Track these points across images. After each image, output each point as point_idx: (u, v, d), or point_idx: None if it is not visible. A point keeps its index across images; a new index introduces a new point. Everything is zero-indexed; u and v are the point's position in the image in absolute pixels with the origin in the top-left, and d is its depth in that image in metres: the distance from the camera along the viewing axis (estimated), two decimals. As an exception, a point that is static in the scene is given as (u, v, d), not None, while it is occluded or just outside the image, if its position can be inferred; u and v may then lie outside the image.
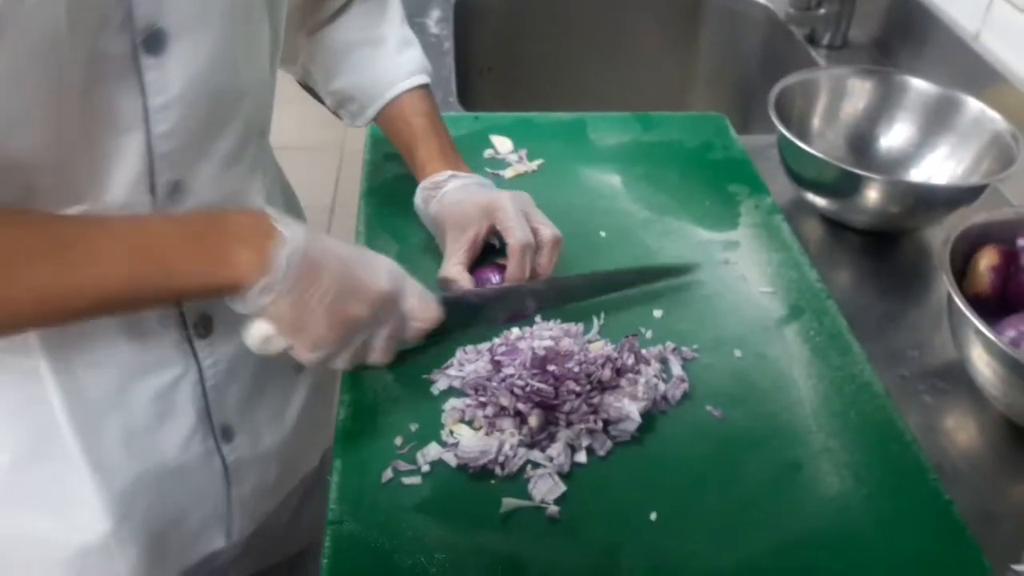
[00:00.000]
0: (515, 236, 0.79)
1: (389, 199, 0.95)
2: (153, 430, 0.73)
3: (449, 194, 0.84)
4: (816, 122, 1.12)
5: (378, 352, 0.70)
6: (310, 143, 2.70)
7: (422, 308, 0.71)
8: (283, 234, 0.61)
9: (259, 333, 0.64)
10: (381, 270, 0.67)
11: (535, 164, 1.02)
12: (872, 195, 0.96)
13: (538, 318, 0.79)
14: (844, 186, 0.97)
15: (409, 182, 0.90)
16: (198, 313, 0.73)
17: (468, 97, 0.96)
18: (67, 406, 0.68)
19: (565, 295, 0.83)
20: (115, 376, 0.70)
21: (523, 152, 1.04)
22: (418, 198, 0.88)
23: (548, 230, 0.81)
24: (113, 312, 0.64)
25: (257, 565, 1.01)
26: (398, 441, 0.68)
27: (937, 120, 1.08)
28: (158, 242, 0.60)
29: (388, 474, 0.66)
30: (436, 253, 0.86)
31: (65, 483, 0.71)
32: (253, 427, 0.82)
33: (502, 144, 1.04)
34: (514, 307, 0.80)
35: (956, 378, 0.84)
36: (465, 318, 0.77)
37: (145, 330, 0.70)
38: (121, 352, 0.70)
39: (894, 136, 1.11)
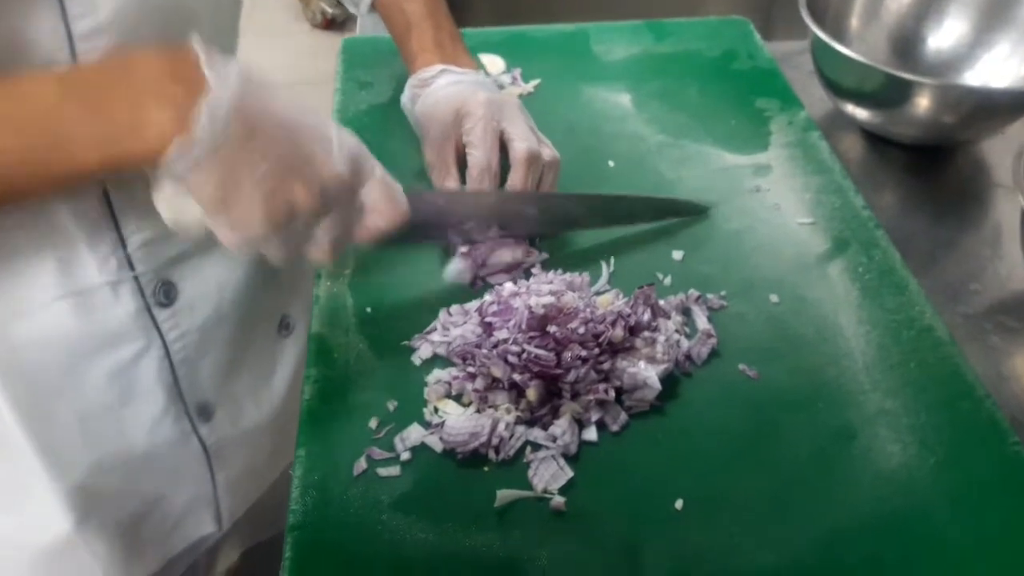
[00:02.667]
0: (474, 157, 0.68)
1: (362, 134, 0.83)
2: (114, 413, 0.66)
3: (433, 93, 0.73)
4: (854, 22, 1.01)
5: (320, 248, 0.55)
6: (303, 77, 2.56)
7: (386, 203, 0.56)
8: (209, 82, 0.47)
9: (166, 193, 0.50)
10: (338, 146, 0.53)
11: (531, 85, 0.92)
12: (923, 103, 0.84)
13: (535, 269, 0.68)
14: (890, 94, 0.86)
15: (385, 113, 0.79)
16: (158, 280, 0.64)
17: (452, 10, 0.85)
18: (7, 388, 0.61)
19: (553, 215, 0.71)
20: (62, 354, 0.62)
21: (517, 72, 0.94)
22: (405, 96, 0.77)
23: (522, 144, 0.68)
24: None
25: (251, 540, 0.93)
26: (373, 423, 0.58)
27: (994, 14, 0.96)
28: (39, 103, 0.47)
29: (361, 464, 0.56)
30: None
31: (15, 477, 0.65)
32: (233, 403, 0.75)
33: (492, 63, 0.94)
34: (492, 220, 0.67)
35: (1028, 314, 0.73)
36: (434, 227, 0.65)
37: (93, 300, 0.61)
38: (67, 326, 0.61)
39: (944, 35, 0.99)
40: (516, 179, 0.68)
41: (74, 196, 0.57)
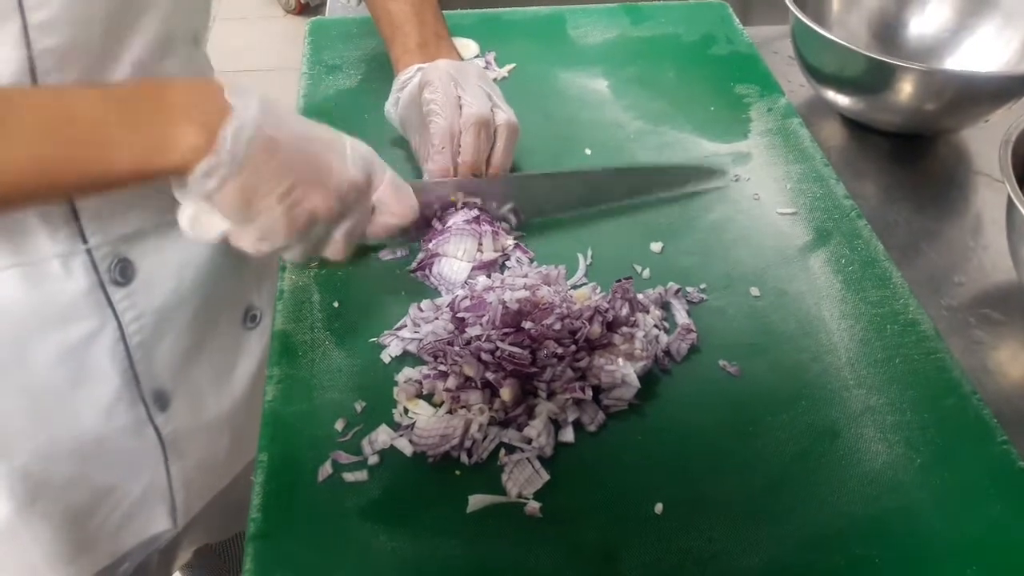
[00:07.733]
0: (436, 124, 0.66)
1: (331, 119, 0.80)
2: (63, 395, 0.63)
3: (410, 90, 0.71)
4: (835, 7, 0.99)
5: (337, 246, 0.59)
6: (275, 63, 2.52)
7: (397, 201, 0.61)
8: (233, 108, 0.50)
9: (189, 212, 0.53)
10: (351, 154, 0.57)
11: (505, 70, 0.90)
12: (905, 89, 0.82)
13: (511, 262, 0.65)
14: (872, 80, 0.84)
15: (354, 96, 0.76)
16: (113, 256, 0.62)
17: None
18: None
19: (568, 191, 0.72)
20: (9, 328, 0.59)
21: (490, 56, 0.91)
22: (389, 103, 0.75)
23: (471, 109, 0.66)
24: (31, 200, 0.54)
25: (211, 538, 0.90)
26: (339, 425, 0.55)
27: (978, -2, 0.94)
28: (84, 116, 0.49)
29: (326, 469, 0.53)
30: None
31: None
32: (192, 392, 0.72)
33: (465, 48, 0.91)
34: (507, 198, 0.68)
35: (1012, 306, 0.73)
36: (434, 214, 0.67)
37: (43, 272, 0.59)
38: (14, 301, 0.59)
39: (927, 20, 0.97)
40: (466, 143, 0.66)
41: None
